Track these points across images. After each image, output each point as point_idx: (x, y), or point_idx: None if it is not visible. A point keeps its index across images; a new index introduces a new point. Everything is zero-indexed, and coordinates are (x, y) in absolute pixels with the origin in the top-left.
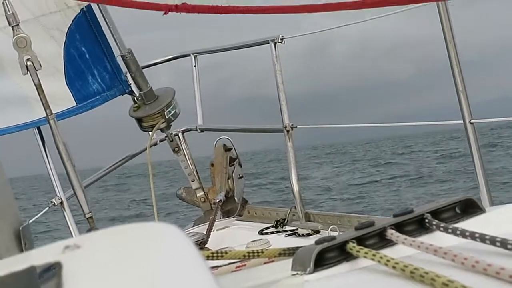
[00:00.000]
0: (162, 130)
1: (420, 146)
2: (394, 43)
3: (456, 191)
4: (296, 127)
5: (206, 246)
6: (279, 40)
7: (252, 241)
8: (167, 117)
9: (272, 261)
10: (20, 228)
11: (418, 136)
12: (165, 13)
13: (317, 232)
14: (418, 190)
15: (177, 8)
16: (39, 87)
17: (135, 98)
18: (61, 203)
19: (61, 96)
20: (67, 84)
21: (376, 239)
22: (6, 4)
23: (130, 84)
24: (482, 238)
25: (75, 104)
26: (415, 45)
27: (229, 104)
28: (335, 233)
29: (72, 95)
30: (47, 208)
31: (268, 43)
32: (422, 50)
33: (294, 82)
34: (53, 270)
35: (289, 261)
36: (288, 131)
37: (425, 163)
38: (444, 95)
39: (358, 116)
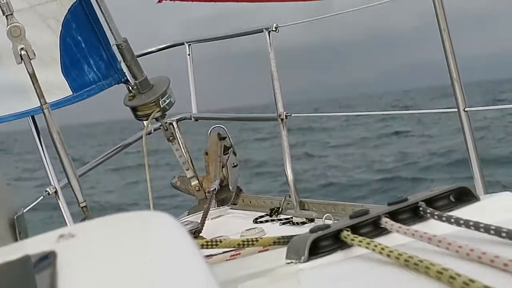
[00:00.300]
0: (157, 119)
1: (422, 100)
2: None
3: (458, 146)
4: (290, 115)
5: (200, 234)
6: (273, 29)
7: (246, 230)
8: (162, 106)
9: (267, 249)
10: (15, 217)
11: (421, 90)
12: (159, 1)
13: (312, 220)
14: (420, 145)
15: None
16: (33, 76)
17: (130, 87)
18: (56, 192)
19: (57, 85)
20: (63, 73)
21: (370, 227)
22: None
23: (125, 73)
24: (477, 226)
25: (71, 93)
26: None
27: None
28: (329, 222)
29: (68, 84)
30: (42, 197)
31: (263, 31)
32: (425, 2)
33: (295, 34)
34: (47, 259)
35: (283, 250)
36: (282, 119)
37: (427, 119)
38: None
39: (361, 68)
